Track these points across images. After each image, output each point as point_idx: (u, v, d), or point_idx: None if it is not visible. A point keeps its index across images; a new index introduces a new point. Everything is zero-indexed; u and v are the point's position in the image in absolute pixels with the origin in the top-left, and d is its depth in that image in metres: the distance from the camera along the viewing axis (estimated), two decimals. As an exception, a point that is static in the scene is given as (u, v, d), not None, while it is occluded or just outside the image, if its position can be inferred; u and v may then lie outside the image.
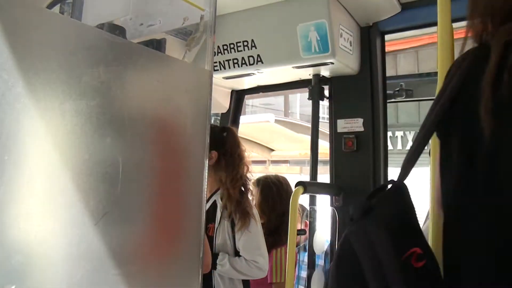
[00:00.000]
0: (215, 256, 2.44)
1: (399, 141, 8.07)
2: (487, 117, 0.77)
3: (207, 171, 0.75)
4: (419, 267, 0.78)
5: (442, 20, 1.40)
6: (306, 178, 3.16)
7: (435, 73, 1.46)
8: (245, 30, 2.80)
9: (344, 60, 2.67)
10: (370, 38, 2.85)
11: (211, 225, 2.52)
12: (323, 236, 2.97)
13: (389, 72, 3.52)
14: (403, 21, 2.79)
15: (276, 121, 9.06)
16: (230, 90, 3.43)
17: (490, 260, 0.78)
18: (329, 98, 3.00)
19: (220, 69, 2.88)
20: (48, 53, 0.54)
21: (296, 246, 3.06)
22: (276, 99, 15.15)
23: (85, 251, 0.56)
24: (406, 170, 0.92)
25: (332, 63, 2.62)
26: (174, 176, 0.71)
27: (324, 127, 3.78)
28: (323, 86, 2.98)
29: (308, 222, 2.99)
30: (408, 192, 0.90)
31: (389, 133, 7.31)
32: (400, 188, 0.87)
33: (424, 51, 6.41)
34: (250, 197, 2.72)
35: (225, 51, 2.85)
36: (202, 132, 0.76)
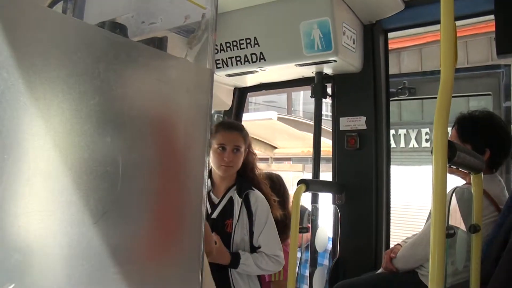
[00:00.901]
0: (235, 255, 2.36)
1: (402, 139, 8.05)
2: None
3: (207, 169, 0.75)
4: None
5: (445, 18, 1.39)
6: (309, 176, 3.16)
7: (439, 71, 1.46)
8: (247, 27, 2.80)
9: (347, 58, 2.67)
10: (373, 36, 2.85)
11: (228, 221, 2.44)
12: (325, 234, 2.97)
13: (392, 70, 3.51)
14: (406, 19, 2.79)
15: (279, 118, 9.05)
16: (233, 88, 3.43)
17: None
18: (332, 96, 3.00)
19: (223, 67, 2.88)
20: (48, 52, 0.54)
21: (299, 247, 3.06)
22: (279, 97, 15.15)
23: (85, 250, 0.56)
24: None
25: (335, 61, 2.62)
26: (174, 175, 0.71)
27: (327, 125, 3.78)
28: (326, 84, 2.98)
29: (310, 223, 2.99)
30: None
31: (392, 131, 7.30)
32: None
33: (428, 49, 6.40)
34: None
35: (228, 49, 2.85)
36: (203, 130, 0.75)
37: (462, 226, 2.08)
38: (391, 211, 2.91)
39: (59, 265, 0.54)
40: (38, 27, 0.53)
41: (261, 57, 2.78)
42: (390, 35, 2.96)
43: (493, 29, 2.18)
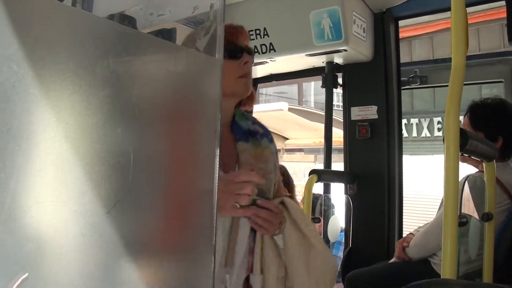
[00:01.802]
0: None
1: (414, 128, 8.02)
2: None
3: (218, 160, 0.75)
4: None
5: (456, 5, 1.38)
6: (321, 166, 3.16)
7: (451, 59, 1.45)
8: (257, 18, 2.79)
9: (357, 47, 2.66)
10: (383, 24, 2.83)
11: None
12: (337, 224, 2.98)
13: (404, 59, 3.49)
14: (417, 6, 2.77)
15: (290, 109, 9.04)
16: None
17: None
18: (343, 85, 2.99)
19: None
20: (57, 44, 0.54)
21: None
22: (290, 88, 15.11)
23: (98, 239, 0.56)
24: None
25: (345, 50, 2.61)
26: (185, 165, 0.72)
27: (338, 115, 3.77)
28: (337, 74, 2.97)
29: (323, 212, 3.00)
30: None
31: (404, 121, 7.26)
32: None
33: (439, 36, 6.35)
34: None
35: (238, 40, 2.85)
36: (213, 121, 0.76)
37: (475, 215, 2.07)
38: (404, 201, 2.90)
39: (72, 254, 0.55)
40: (47, 20, 0.54)
41: (271, 47, 2.78)
42: (401, 23, 2.94)
43: (505, 15, 2.16)
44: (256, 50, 2.81)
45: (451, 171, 1.37)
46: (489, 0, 2.62)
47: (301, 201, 2.97)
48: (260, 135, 1.66)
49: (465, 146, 1.47)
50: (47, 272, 0.51)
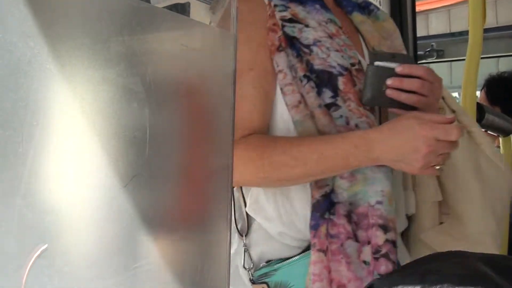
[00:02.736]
0: None
1: (431, 103, 7.91)
2: None
3: (233, 134, 0.75)
4: None
5: (474, -24, 1.35)
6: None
7: (468, 32, 1.42)
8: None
9: (373, 21, 2.62)
10: (399, -3, 2.79)
11: None
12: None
13: (420, 33, 3.43)
14: (434, -21, 2.72)
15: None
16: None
17: None
18: (358, 60, 2.96)
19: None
20: (72, 20, 0.54)
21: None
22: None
23: (116, 212, 0.57)
24: None
25: (360, 24, 2.58)
26: (200, 140, 0.72)
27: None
28: (352, 49, 2.93)
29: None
30: None
31: (420, 96, 7.16)
32: None
33: (457, 9, 6.23)
34: None
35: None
36: (228, 96, 0.76)
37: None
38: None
39: (90, 226, 0.56)
40: (62, -5, 0.54)
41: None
42: (418, -4, 2.89)
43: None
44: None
45: (467, 146, 1.36)
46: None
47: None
48: (374, 7, 1.44)
49: (482, 121, 1.45)
50: (65, 244, 0.53)
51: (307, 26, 1.22)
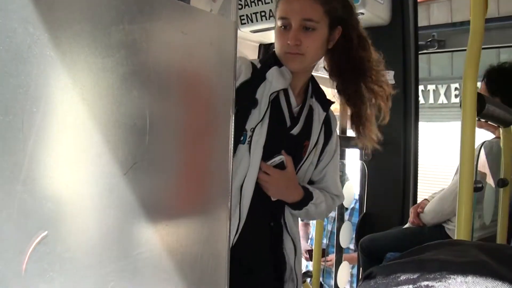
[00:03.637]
0: (305, 189, 1.63)
1: (431, 95, 7.91)
2: None
3: (233, 123, 0.75)
4: None
5: (476, -34, 1.35)
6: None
7: (469, 22, 1.42)
8: (272, -19, 2.75)
9: (374, 10, 2.61)
10: (401, -13, 2.77)
11: (306, 143, 1.64)
12: (352, 190, 2.98)
13: (422, 23, 3.42)
14: (436, -32, 2.70)
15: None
16: (258, 44, 3.40)
17: None
18: (359, 50, 2.95)
19: (248, 23, 2.84)
20: (72, 6, 0.54)
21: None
22: (305, 53, 14.90)
23: (116, 200, 0.57)
24: None
25: (362, 13, 2.56)
26: (200, 128, 0.72)
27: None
28: (353, 38, 2.92)
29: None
30: None
31: (421, 87, 7.17)
32: None
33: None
34: None
35: (253, 4, 2.81)
36: (228, 84, 0.76)
37: (491, 181, 2.06)
38: (419, 167, 2.89)
39: (91, 213, 0.56)
40: (62, -19, 0.53)
41: (286, 12, 2.74)
42: (419, -14, 2.87)
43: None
44: (271, 15, 2.77)
45: (467, 136, 1.36)
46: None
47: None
48: None
49: (482, 111, 1.45)
50: (65, 231, 0.53)
51: None
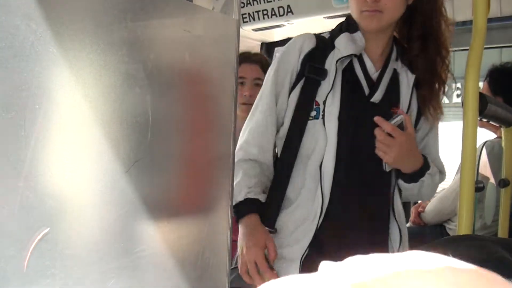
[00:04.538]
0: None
1: (433, 94, 7.88)
2: None
3: (236, 121, 0.75)
4: None
5: (479, -35, 1.34)
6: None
7: (471, 22, 1.41)
8: (274, -21, 2.75)
9: (376, 9, 2.61)
10: (404, -14, 2.77)
11: (394, 110, 1.38)
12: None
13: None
14: (439, -32, 2.70)
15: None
16: (260, 43, 3.39)
17: None
18: (361, 49, 2.94)
19: (249, 21, 2.84)
20: (74, 3, 0.54)
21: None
22: (307, 52, 14.89)
23: (118, 197, 0.57)
24: None
25: (363, 13, 2.57)
26: (202, 126, 0.72)
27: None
28: (355, 37, 2.92)
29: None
30: None
31: (423, 86, 7.12)
32: None
33: (460, -1, 6.19)
34: None
35: (254, 2, 2.81)
36: (230, 82, 0.76)
37: (492, 181, 2.06)
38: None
39: (92, 211, 0.56)
40: (65, -22, 0.53)
41: (289, 10, 2.73)
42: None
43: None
44: (273, 13, 2.77)
45: (469, 136, 1.35)
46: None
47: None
48: None
49: (484, 111, 1.45)
50: (67, 227, 0.53)
51: None
